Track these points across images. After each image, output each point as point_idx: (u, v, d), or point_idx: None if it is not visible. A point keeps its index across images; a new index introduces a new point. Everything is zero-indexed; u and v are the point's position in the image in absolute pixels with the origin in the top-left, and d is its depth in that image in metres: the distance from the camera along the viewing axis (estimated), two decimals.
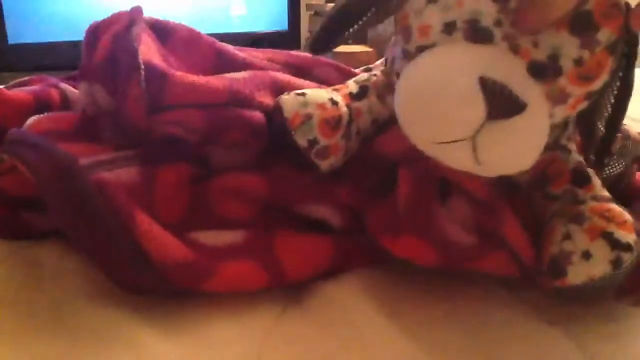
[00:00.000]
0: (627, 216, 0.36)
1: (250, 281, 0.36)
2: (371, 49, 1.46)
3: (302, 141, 0.39)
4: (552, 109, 0.34)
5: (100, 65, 0.41)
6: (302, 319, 0.36)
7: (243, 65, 0.46)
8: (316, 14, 1.48)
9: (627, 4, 0.32)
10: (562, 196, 0.39)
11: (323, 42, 0.39)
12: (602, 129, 0.39)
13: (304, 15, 1.40)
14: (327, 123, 0.39)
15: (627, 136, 0.45)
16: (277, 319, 0.35)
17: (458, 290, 0.38)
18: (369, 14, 0.38)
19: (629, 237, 0.35)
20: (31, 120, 0.42)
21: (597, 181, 0.40)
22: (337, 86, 0.43)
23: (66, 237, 0.39)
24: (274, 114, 0.40)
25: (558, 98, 0.33)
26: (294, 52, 0.53)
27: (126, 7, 0.43)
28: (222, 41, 0.48)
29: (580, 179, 0.39)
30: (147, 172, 0.39)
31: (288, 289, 0.38)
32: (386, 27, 0.45)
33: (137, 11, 0.42)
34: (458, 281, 0.39)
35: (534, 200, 0.40)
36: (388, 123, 0.41)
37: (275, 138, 0.40)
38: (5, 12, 1.00)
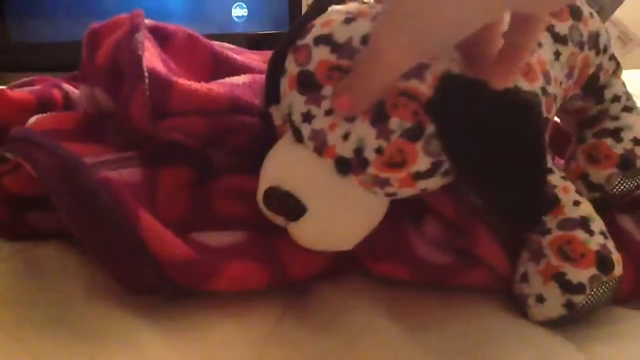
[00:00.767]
0: (590, 245, 0.36)
1: (253, 281, 0.36)
2: None
3: None
4: (382, 190, 0.33)
5: (102, 69, 0.41)
6: (302, 321, 0.36)
7: (241, 69, 0.46)
8: None
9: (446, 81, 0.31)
10: None
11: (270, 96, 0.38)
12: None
13: None
14: None
15: (631, 166, 0.43)
16: (278, 321, 0.36)
17: (456, 292, 0.39)
18: None
19: (582, 275, 0.35)
20: (33, 119, 0.42)
21: (568, 198, 0.38)
22: None
23: (68, 237, 0.39)
24: (265, 121, 0.40)
25: (378, 183, 0.32)
26: None
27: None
28: (223, 42, 0.48)
29: (547, 205, 0.38)
30: (149, 173, 0.39)
31: (288, 292, 0.38)
32: None
33: (138, 15, 0.42)
34: (448, 285, 0.39)
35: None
36: None
37: (268, 143, 0.41)
38: (7, 11, 1.00)
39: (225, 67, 0.46)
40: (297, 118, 0.32)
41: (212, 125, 0.40)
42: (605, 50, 0.44)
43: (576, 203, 0.38)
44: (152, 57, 0.39)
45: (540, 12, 0.30)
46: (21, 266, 0.38)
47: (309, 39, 0.32)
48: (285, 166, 0.34)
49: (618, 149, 0.43)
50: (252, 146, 0.41)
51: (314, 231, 0.34)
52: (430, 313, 0.37)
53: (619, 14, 0.74)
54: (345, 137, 0.31)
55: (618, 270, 0.36)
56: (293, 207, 0.33)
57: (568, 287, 0.35)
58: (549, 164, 0.39)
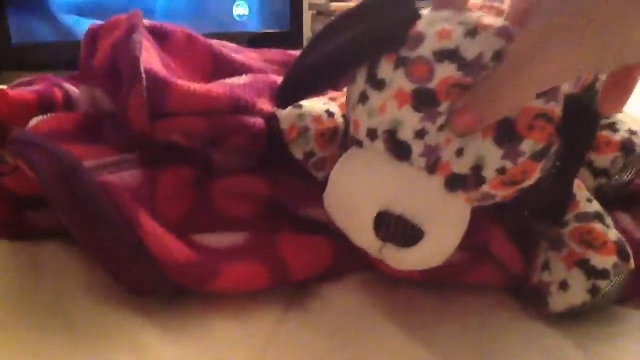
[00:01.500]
0: (609, 236, 0.37)
1: (253, 281, 0.36)
2: None
3: (298, 153, 0.39)
4: (479, 204, 0.33)
5: (101, 70, 0.41)
6: (304, 321, 0.36)
7: (240, 68, 0.46)
8: (319, 13, 1.47)
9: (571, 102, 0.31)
10: None
11: (291, 95, 0.37)
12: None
13: (307, 15, 1.40)
14: (322, 135, 0.39)
15: (632, 150, 0.44)
16: (279, 321, 0.36)
17: (457, 291, 0.39)
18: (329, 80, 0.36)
19: (606, 261, 0.35)
20: (34, 121, 0.42)
21: (582, 195, 0.39)
22: (333, 94, 0.43)
23: (68, 237, 0.39)
24: (272, 124, 0.40)
25: (482, 199, 0.32)
26: (291, 52, 0.53)
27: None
28: (224, 40, 0.48)
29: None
30: (149, 174, 0.39)
31: (289, 292, 0.38)
32: None
33: (136, 15, 0.42)
34: (456, 283, 0.39)
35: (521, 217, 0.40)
36: None
37: (274, 146, 0.41)
38: (8, 11, 1.00)
39: (224, 67, 0.46)
40: (406, 134, 0.30)
41: (211, 125, 0.39)
42: None
43: (589, 200, 0.39)
44: (150, 58, 0.39)
45: None
46: (21, 265, 0.38)
47: (425, 51, 0.29)
48: (391, 187, 0.31)
49: (617, 137, 0.44)
50: (253, 146, 0.41)
51: (429, 255, 0.32)
52: (430, 312, 0.37)
53: None
54: (460, 152, 0.30)
55: (632, 262, 0.36)
56: (411, 233, 0.31)
57: (593, 272, 0.35)
58: None
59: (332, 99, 0.42)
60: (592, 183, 0.44)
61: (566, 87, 0.40)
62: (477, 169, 0.30)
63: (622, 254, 0.36)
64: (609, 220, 0.38)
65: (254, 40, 1.11)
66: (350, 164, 0.33)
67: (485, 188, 0.30)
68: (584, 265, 0.36)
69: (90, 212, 0.34)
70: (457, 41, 0.29)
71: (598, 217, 0.38)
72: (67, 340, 0.32)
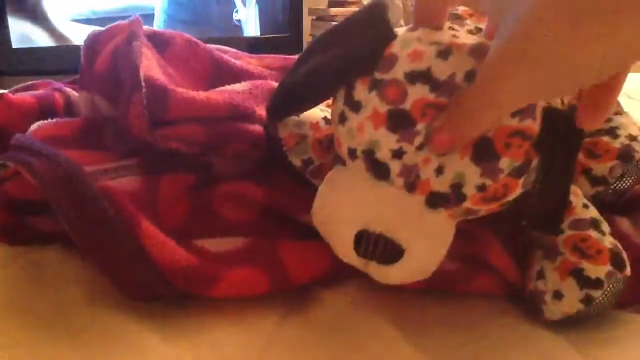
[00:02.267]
0: (604, 243, 0.36)
1: (253, 286, 0.36)
2: None
3: (296, 161, 0.39)
4: (465, 217, 0.33)
5: (101, 76, 0.41)
6: (303, 325, 0.36)
7: (240, 74, 0.46)
8: (319, 18, 1.48)
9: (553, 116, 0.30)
10: None
11: (282, 110, 0.38)
12: None
13: (306, 21, 1.41)
14: (320, 143, 0.39)
15: (631, 158, 0.44)
16: (278, 325, 0.36)
17: (456, 297, 0.39)
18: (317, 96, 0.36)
19: (600, 271, 0.35)
20: (35, 126, 0.42)
21: (578, 201, 0.39)
22: (332, 101, 0.44)
23: (69, 242, 0.39)
24: (270, 131, 0.40)
25: (468, 213, 0.32)
26: (290, 57, 0.53)
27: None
28: (224, 45, 0.49)
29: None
30: (149, 180, 0.39)
31: (288, 296, 0.38)
32: None
33: (136, 23, 0.42)
34: (457, 292, 0.39)
35: (516, 226, 0.40)
36: None
37: (272, 153, 0.41)
38: (8, 16, 1.01)
39: (225, 73, 0.46)
40: (384, 155, 0.30)
41: (211, 132, 0.40)
42: None
43: (585, 206, 0.39)
44: (150, 65, 0.40)
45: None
46: (22, 270, 0.39)
47: (398, 73, 0.30)
48: (371, 206, 0.32)
49: (616, 144, 0.44)
50: (252, 153, 0.41)
51: (412, 270, 0.33)
52: (430, 317, 0.37)
53: None
54: (439, 171, 0.30)
55: (628, 269, 0.36)
56: (391, 250, 0.32)
57: (586, 282, 0.35)
58: None
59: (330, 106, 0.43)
60: (590, 190, 0.43)
61: (566, 99, 0.40)
62: (457, 186, 0.30)
63: (616, 263, 0.36)
64: (605, 226, 0.38)
65: (253, 46, 1.11)
66: (335, 182, 0.34)
67: (467, 204, 0.31)
68: (578, 275, 0.36)
69: (90, 217, 0.34)
70: (428, 62, 0.29)
71: (593, 224, 0.38)
72: (67, 344, 0.32)
